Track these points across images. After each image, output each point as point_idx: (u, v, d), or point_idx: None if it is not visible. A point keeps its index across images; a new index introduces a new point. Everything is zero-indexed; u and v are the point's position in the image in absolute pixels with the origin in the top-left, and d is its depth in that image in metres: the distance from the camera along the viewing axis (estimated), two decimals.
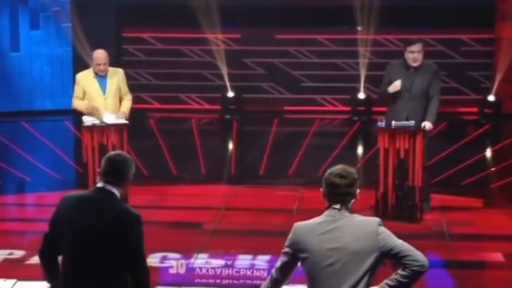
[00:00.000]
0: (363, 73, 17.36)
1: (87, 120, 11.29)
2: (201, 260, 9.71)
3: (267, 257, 9.85)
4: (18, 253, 9.85)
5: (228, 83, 18.14)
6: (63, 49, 17.72)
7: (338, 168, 5.60)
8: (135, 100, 18.02)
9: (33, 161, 14.33)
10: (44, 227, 5.89)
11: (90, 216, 5.73)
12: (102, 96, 11.52)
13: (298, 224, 5.56)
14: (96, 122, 11.24)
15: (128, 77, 18.22)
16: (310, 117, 17.64)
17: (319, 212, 11.63)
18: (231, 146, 16.42)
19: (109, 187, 5.79)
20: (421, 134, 10.98)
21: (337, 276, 5.36)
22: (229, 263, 9.59)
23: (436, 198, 12.03)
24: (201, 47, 18.24)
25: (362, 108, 17.51)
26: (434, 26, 17.73)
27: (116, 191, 5.81)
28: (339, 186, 5.53)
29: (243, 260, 9.73)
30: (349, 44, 17.67)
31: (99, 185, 5.83)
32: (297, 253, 5.47)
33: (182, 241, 10.39)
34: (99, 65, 11.58)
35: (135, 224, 5.74)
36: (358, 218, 5.51)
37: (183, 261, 9.59)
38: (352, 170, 5.62)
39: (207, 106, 18.46)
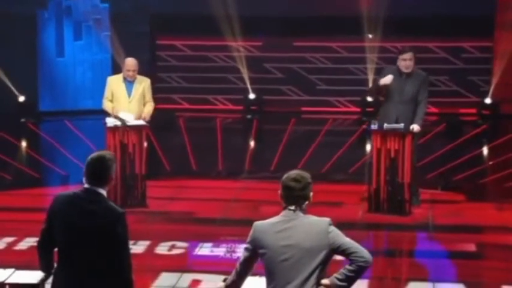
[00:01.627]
0: (371, 77, 17.28)
1: (110, 122, 11.31)
2: (205, 249, 9.76)
3: None
4: None
5: (249, 86, 18.14)
6: (102, 55, 17.79)
7: (294, 173, 5.60)
8: (167, 101, 18.34)
9: (71, 156, 14.42)
10: None
11: (79, 214, 5.70)
12: (127, 99, 11.54)
13: (257, 223, 5.56)
14: (118, 123, 11.27)
15: (161, 80, 18.57)
16: (324, 117, 17.62)
17: (319, 205, 11.70)
18: (249, 143, 16.36)
19: (94, 188, 5.75)
20: (410, 136, 10.95)
21: (291, 270, 5.37)
22: (231, 250, 9.61)
23: (427, 193, 12.00)
24: (226, 53, 18.23)
25: (371, 109, 17.42)
26: (438, 34, 17.65)
27: (102, 191, 5.78)
28: (293, 189, 5.52)
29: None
30: (359, 51, 17.61)
31: (86, 185, 5.78)
32: (256, 249, 5.49)
33: (191, 230, 10.40)
34: (128, 71, 11.59)
35: (121, 220, 5.70)
36: (311, 218, 5.51)
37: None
38: (306, 175, 5.62)
39: (231, 107, 18.47)
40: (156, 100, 17.96)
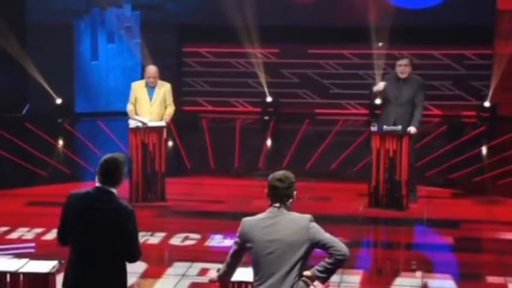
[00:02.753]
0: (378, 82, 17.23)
1: (132, 123, 11.35)
2: (215, 240, 9.80)
3: None
4: None
5: (266, 90, 18.16)
6: (133, 61, 17.86)
7: (279, 173, 5.59)
8: (192, 103, 18.40)
9: (101, 154, 14.48)
10: None
11: (92, 212, 5.69)
12: (149, 103, 11.50)
13: (245, 219, 5.55)
14: (139, 124, 11.32)
15: (187, 84, 18.63)
16: (336, 118, 17.61)
17: (324, 200, 11.74)
18: (266, 142, 16.32)
19: (106, 187, 5.72)
20: (407, 137, 10.95)
21: (275, 263, 5.37)
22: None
23: (424, 190, 11.98)
24: (246, 60, 18.25)
25: (379, 111, 17.34)
26: (442, 42, 17.60)
27: (114, 190, 5.74)
28: (278, 188, 5.51)
29: None
30: (369, 57, 17.57)
31: (98, 185, 5.74)
32: (244, 243, 5.48)
33: (204, 224, 10.43)
34: (149, 77, 11.58)
35: (131, 217, 5.67)
36: (294, 215, 5.50)
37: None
38: (291, 175, 5.61)
39: (250, 108, 18.47)
40: (182, 103, 18.33)
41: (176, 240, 9.80)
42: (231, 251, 5.64)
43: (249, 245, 5.47)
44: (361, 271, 8.86)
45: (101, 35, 18.33)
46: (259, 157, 14.62)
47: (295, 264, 5.37)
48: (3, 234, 9.97)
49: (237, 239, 5.56)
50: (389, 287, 8.44)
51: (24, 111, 17.97)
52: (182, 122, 17.42)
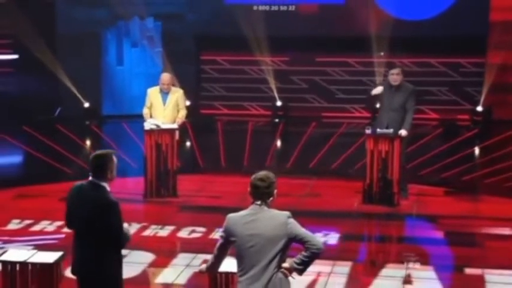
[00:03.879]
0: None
1: (147, 125, 11.45)
2: (219, 233, 9.83)
3: None
4: None
5: (276, 95, 18.18)
6: (155, 68, 17.91)
7: (261, 173, 5.61)
8: (209, 107, 18.43)
9: (125, 153, 14.56)
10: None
11: (82, 202, 5.85)
12: (162, 107, 11.57)
13: (230, 216, 5.59)
14: (154, 126, 11.41)
15: (204, 89, 18.66)
16: (340, 121, 17.60)
17: (321, 196, 11.73)
18: (275, 143, 16.30)
19: (97, 181, 5.86)
20: (398, 140, 10.98)
21: (256, 255, 5.41)
22: None
23: (416, 188, 11.98)
24: (258, 67, 18.26)
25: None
26: (439, 51, 17.55)
27: (104, 183, 5.86)
28: (259, 187, 5.53)
29: None
30: (371, 65, 17.55)
31: (90, 179, 5.89)
32: (228, 237, 5.53)
33: (211, 218, 10.38)
34: (163, 84, 11.64)
35: (115, 210, 5.80)
36: (273, 212, 5.52)
37: None
38: (271, 175, 5.63)
39: (262, 112, 18.44)
40: (200, 106, 18.39)
41: (184, 233, 9.88)
42: (218, 245, 5.70)
43: (232, 239, 5.51)
44: (351, 262, 8.91)
45: (126, 43, 18.36)
46: (267, 156, 14.61)
47: (274, 257, 5.40)
48: (27, 227, 10.09)
49: (222, 234, 5.61)
50: (376, 277, 8.48)
51: (56, 113, 18.00)
52: (199, 124, 17.55)
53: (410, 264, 8.79)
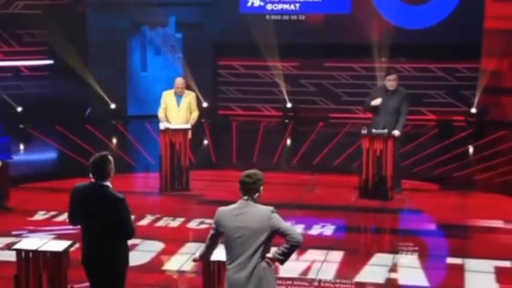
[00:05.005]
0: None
1: (162, 126, 11.54)
2: None
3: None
4: None
5: (287, 97, 18.20)
6: (176, 73, 17.92)
7: (249, 171, 5.68)
8: (225, 108, 18.48)
9: (146, 150, 14.66)
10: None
11: (92, 201, 5.89)
12: (177, 109, 11.60)
13: (219, 209, 5.65)
14: (168, 126, 11.50)
15: (221, 92, 18.72)
16: (346, 121, 17.58)
17: (321, 191, 11.74)
18: (283, 142, 16.21)
19: (99, 182, 5.91)
20: (391, 139, 11.01)
21: (242, 246, 5.47)
22: None
23: (410, 184, 11.97)
24: (271, 72, 18.26)
25: None
26: (437, 57, 17.50)
27: (107, 183, 5.91)
28: (247, 183, 5.60)
29: None
30: (374, 70, 17.49)
31: (93, 180, 5.92)
32: (218, 228, 5.59)
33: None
34: (177, 88, 11.67)
35: (123, 205, 5.85)
36: (259, 206, 5.56)
37: None
38: (258, 173, 5.68)
39: (274, 113, 18.45)
40: (217, 107, 18.44)
41: (192, 224, 9.94)
42: (209, 235, 5.76)
43: (221, 230, 5.57)
44: (343, 251, 8.94)
45: (149, 51, 18.42)
46: (275, 154, 14.64)
47: (259, 247, 5.45)
48: (51, 218, 10.21)
49: (213, 225, 5.66)
50: (365, 265, 8.51)
51: (86, 114, 18.11)
52: (216, 124, 17.63)
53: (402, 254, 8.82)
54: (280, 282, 7.85)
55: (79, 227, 6.06)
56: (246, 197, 5.60)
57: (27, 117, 17.23)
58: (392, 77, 11.29)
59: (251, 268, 5.44)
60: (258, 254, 5.46)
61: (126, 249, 6.06)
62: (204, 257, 5.94)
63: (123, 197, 5.90)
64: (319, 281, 8.03)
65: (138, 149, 15.06)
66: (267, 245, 5.49)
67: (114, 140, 16.46)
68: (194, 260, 6.07)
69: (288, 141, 16.44)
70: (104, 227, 5.84)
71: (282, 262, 5.55)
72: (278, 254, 5.52)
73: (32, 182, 12.40)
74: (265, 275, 5.47)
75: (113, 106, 18.09)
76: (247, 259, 5.45)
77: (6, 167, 11.28)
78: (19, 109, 17.39)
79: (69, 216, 6.04)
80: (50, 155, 15.16)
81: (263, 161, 13.90)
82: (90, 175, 5.94)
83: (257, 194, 5.62)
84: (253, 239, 5.46)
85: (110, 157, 6.02)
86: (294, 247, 5.50)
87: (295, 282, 8.02)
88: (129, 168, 13.59)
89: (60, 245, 6.26)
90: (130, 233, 5.96)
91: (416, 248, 9.12)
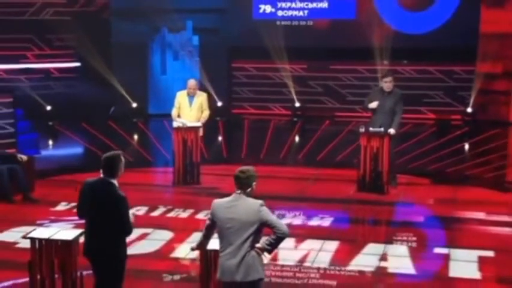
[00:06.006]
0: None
1: (175, 124, 11.59)
2: None
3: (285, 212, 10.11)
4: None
5: (295, 97, 18.22)
6: (193, 75, 17.95)
7: (243, 168, 5.71)
8: (239, 107, 18.52)
9: (160, 147, 14.71)
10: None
11: (98, 197, 5.90)
12: (189, 108, 11.64)
13: (215, 201, 5.69)
14: (181, 125, 11.56)
15: (235, 92, 18.75)
16: (350, 120, 17.56)
17: (323, 184, 11.73)
18: (291, 139, 16.20)
19: (108, 178, 5.93)
20: (387, 137, 10.99)
21: (233, 236, 5.52)
22: None
23: (406, 178, 11.95)
24: (281, 73, 18.30)
25: None
26: (436, 60, 17.45)
27: (114, 180, 5.92)
28: (240, 178, 5.64)
29: None
30: (377, 72, 17.42)
31: (101, 176, 5.94)
32: (213, 219, 5.64)
33: None
34: (190, 88, 11.69)
35: (124, 203, 5.87)
36: (250, 200, 5.59)
37: None
38: (252, 169, 5.71)
39: (283, 111, 18.49)
40: (231, 107, 18.49)
41: (201, 215, 9.93)
42: (205, 225, 5.83)
43: (215, 220, 5.62)
44: (338, 241, 8.96)
45: (168, 54, 18.48)
46: (283, 150, 14.65)
47: (248, 238, 5.49)
48: (72, 208, 10.26)
49: (209, 216, 5.73)
50: (358, 254, 8.52)
51: (111, 112, 18.21)
52: (230, 122, 17.68)
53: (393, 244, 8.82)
54: (280, 268, 7.94)
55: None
56: (239, 191, 5.64)
57: (55, 115, 17.34)
58: (388, 78, 11.28)
59: (241, 256, 5.49)
60: (248, 243, 5.50)
61: (124, 243, 6.04)
62: (201, 245, 6.00)
63: (125, 196, 5.91)
64: (317, 268, 8.05)
65: (156, 145, 15.12)
66: (256, 235, 5.53)
67: (135, 137, 16.49)
68: (192, 249, 6.10)
69: (296, 138, 16.42)
70: (105, 221, 5.87)
71: (269, 252, 5.60)
72: (266, 244, 5.56)
73: (57, 175, 12.50)
74: (253, 263, 5.51)
75: (134, 105, 18.16)
76: (238, 248, 5.50)
77: (33, 161, 11.42)
78: (48, 108, 17.49)
79: (78, 209, 6.07)
80: (76, 150, 15.24)
81: (270, 156, 13.93)
82: (101, 170, 5.96)
83: (249, 189, 5.65)
84: (243, 230, 5.50)
85: (122, 157, 6.03)
86: (280, 238, 5.54)
87: (293, 269, 8.06)
88: (147, 163, 13.65)
89: (70, 234, 6.30)
90: (128, 229, 5.95)
91: (407, 239, 9.09)
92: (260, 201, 5.59)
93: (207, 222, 5.77)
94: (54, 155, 14.22)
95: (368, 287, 7.66)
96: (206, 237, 5.89)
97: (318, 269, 8.03)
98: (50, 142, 15.69)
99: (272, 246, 5.55)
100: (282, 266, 8.05)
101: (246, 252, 5.49)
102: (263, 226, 5.53)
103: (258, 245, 5.55)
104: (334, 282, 7.65)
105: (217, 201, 5.69)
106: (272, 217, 5.55)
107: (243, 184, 5.63)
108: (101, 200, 5.89)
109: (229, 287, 5.58)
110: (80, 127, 16.52)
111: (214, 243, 5.99)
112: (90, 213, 5.97)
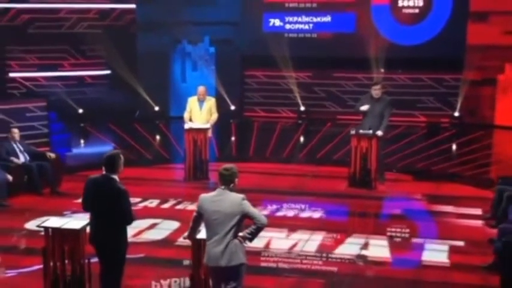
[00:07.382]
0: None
1: (186, 125, 11.69)
2: None
3: (279, 205, 10.08)
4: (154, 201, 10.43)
5: (300, 102, 18.25)
6: (209, 82, 18.05)
7: (227, 165, 5.76)
8: (250, 110, 18.54)
9: (177, 146, 14.76)
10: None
11: (102, 191, 5.97)
12: (199, 112, 11.71)
13: (201, 195, 5.74)
14: (191, 126, 11.65)
15: (247, 97, 18.77)
16: (350, 122, 17.47)
17: (319, 180, 11.73)
18: (295, 139, 16.17)
19: (110, 174, 6.01)
20: (375, 139, 11.02)
21: (218, 226, 5.59)
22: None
23: (393, 175, 11.95)
24: (288, 80, 18.26)
25: None
26: (427, 69, 17.39)
27: (115, 176, 5.99)
28: (224, 175, 5.69)
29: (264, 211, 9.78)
30: (375, 79, 17.39)
31: (103, 173, 6.02)
32: (200, 211, 5.71)
33: None
34: (200, 94, 11.77)
35: (125, 195, 5.93)
36: (233, 194, 5.64)
37: None
38: (234, 166, 5.76)
39: (290, 114, 18.46)
40: (243, 110, 18.54)
41: None
42: (193, 217, 5.89)
43: (202, 212, 5.69)
44: (325, 232, 8.99)
45: (188, 64, 18.55)
46: (287, 149, 14.69)
47: (231, 228, 5.57)
48: None
49: (196, 208, 5.77)
50: (342, 244, 8.56)
51: (136, 115, 18.31)
52: (242, 124, 17.73)
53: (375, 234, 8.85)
54: (269, 254, 8.02)
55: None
56: (223, 187, 5.70)
57: (87, 117, 17.50)
58: (377, 86, 11.33)
59: (224, 245, 5.57)
60: (231, 233, 5.57)
61: (125, 233, 6.07)
62: (191, 235, 6.07)
63: (126, 189, 5.97)
64: (304, 255, 8.12)
65: (174, 145, 15.20)
66: (238, 226, 5.60)
67: (157, 137, 16.56)
68: (184, 238, 6.20)
69: (301, 139, 16.43)
70: (108, 213, 5.93)
71: (250, 240, 5.67)
72: (247, 233, 5.64)
73: (86, 171, 12.59)
74: (236, 250, 5.59)
75: (156, 109, 18.26)
76: (222, 237, 5.58)
77: (61, 159, 11.58)
78: (80, 111, 17.65)
79: (83, 203, 6.13)
80: (104, 148, 15.30)
81: (275, 154, 13.96)
82: (103, 168, 6.05)
83: (232, 184, 5.71)
84: (227, 221, 5.57)
85: (121, 155, 6.09)
86: (259, 228, 5.61)
87: (283, 255, 8.13)
88: (164, 160, 13.73)
89: (79, 224, 6.38)
90: (130, 219, 6.00)
91: (387, 230, 9.14)
92: (242, 196, 5.66)
93: (194, 214, 5.83)
94: (84, 153, 14.31)
95: (349, 272, 7.70)
96: (194, 228, 5.96)
97: (306, 256, 8.10)
98: (82, 141, 15.82)
99: (253, 235, 5.62)
100: (273, 252, 8.17)
101: (229, 240, 5.57)
102: (244, 217, 5.60)
103: (240, 234, 5.62)
104: (320, 268, 7.71)
105: (203, 196, 5.75)
106: (252, 209, 5.62)
107: (226, 180, 5.70)
108: (104, 194, 5.96)
109: (214, 271, 5.67)
110: (108, 128, 16.62)
111: (202, 233, 6.08)
112: (94, 206, 6.05)
